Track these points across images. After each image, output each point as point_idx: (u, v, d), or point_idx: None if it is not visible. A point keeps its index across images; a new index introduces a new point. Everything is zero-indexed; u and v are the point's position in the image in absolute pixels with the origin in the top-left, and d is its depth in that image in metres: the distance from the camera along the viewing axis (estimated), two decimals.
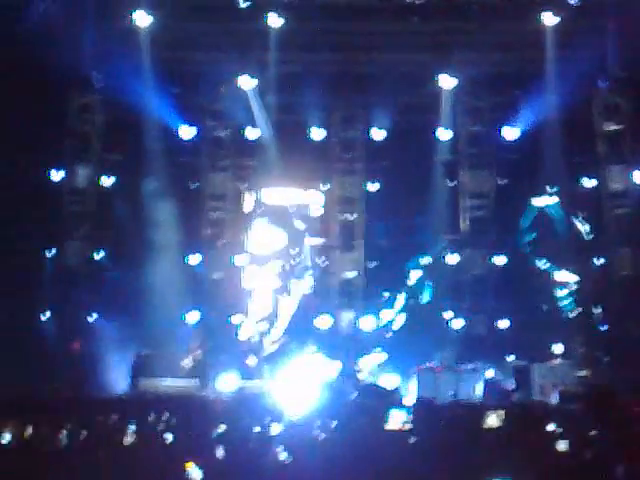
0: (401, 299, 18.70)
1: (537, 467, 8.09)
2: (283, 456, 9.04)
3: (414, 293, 18.79)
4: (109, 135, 18.87)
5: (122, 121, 18.60)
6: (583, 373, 16.74)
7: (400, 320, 18.57)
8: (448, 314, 18.51)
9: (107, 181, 19.01)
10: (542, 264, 18.84)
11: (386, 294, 18.76)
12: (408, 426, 9.65)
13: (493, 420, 9.38)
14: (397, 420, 9.41)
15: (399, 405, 9.92)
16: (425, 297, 18.83)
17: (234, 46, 18.38)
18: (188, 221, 18.90)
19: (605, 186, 18.92)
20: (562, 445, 9.05)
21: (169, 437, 10.61)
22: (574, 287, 18.67)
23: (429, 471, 8.23)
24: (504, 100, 19.19)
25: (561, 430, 10.32)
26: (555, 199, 19.02)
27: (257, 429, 11.08)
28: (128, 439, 10.68)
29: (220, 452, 9.52)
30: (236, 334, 18.17)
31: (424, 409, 9.87)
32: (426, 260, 18.94)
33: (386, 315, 18.57)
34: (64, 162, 18.72)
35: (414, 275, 18.90)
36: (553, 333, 17.70)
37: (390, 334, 18.30)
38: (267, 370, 17.01)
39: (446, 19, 18.28)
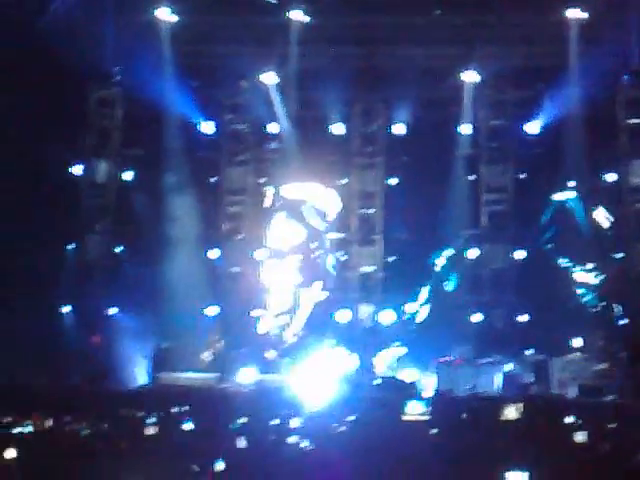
0: (421, 293, 18.82)
1: (555, 459, 8.18)
2: (304, 444, 9.19)
3: (434, 287, 18.89)
4: (129, 129, 18.98)
5: (142, 115, 18.73)
6: (601, 367, 16.77)
7: (420, 314, 18.68)
8: (468, 308, 18.62)
9: (127, 175, 19.20)
10: (562, 259, 18.87)
11: (406, 288, 18.92)
12: (426, 417, 9.77)
13: (512, 412, 9.47)
14: (415, 411, 9.53)
15: (417, 397, 10.01)
16: (445, 291, 18.91)
17: (254, 40, 18.47)
18: (207, 215, 19.07)
19: (626, 180, 18.85)
20: (580, 437, 9.14)
21: (190, 428, 10.79)
22: (594, 282, 18.68)
23: (446, 461, 8.36)
24: (526, 94, 19.18)
25: (580, 422, 10.42)
26: (575, 194, 19.03)
27: (277, 421, 11.24)
28: (149, 432, 10.86)
29: (241, 443, 9.69)
30: (255, 328, 18.31)
31: (442, 401, 9.99)
32: (446, 254, 19.02)
33: (407, 309, 18.69)
34: (84, 156, 18.89)
35: (434, 269, 19.01)
36: (572, 327, 17.72)
37: (411, 328, 18.42)
38: (286, 364, 17.15)
39: (469, 12, 18.27)
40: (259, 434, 10.30)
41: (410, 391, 15.67)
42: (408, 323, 18.57)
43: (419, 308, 18.71)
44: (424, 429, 9.22)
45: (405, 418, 9.14)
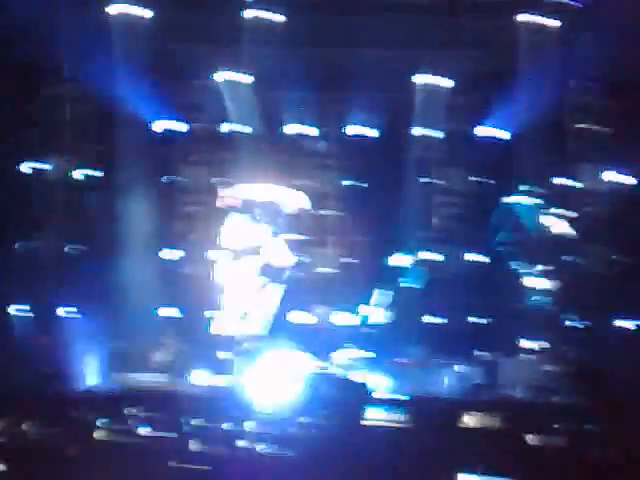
0: (375, 295, 18.92)
1: (508, 460, 8.31)
2: (259, 447, 9.21)
3: (388, 289, 18.99)
4: (82, 127, 18.72)
5: (94, 113, 18.55)
6: (551, 368, 16.99)
7: (374, 316, 18.78)
8: (421, 310, 18.76)
9: (78, 173, 18.93)
10: (513, 262, 19.11)
11: (361, 290, 19.00)
12: (386, 423, 9.84)
13: (472, 419, 9.58)
14: (375, 416, 9.59)
15: (377, 401, 10.07)
16: (399, 293, 19.03)
17: (211, 38, 18.31)
18: (161, 215, 18.89)
19: (580, 185, 19.11)
20: (533, 438, 9.28)
21: (143, 431, 10.72)
22: (544, 285, 18.95)
23: (406, 466, 8.44)
24: (479, 98, 19.28)
25: (532, 423, 10.61)
26: (527, 197, 19.29)
27: (231, 424, 11.22)
28: (101, 434, 10.76)
29: (195, 446, 9.66)
30: (209, 329, 18.23)
31: (404, 406, 10.08)
32: (401, 256, 19.15)
33: (361, 311, 18.78)
34: (34, 154, 18.60)
35: (389, 271, 19.12)
36: (523, 329, 17.96)
37: (365, 329, 18.50)
38: (241, 366, 17.10)
39: (426, 15, 18.37)
40: (213, 436, 10.29)
41: (363, 393, 15.80)
42: (362, 325, 18.66)
43: (373, 310, 18.81)
44: (385, 434, 9.28)
45: (365, 423, 9.19)
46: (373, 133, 19.44)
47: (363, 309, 18.76)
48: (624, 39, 17.51)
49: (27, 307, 17.37)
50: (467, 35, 18.72)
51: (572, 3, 18.27)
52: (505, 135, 19.11)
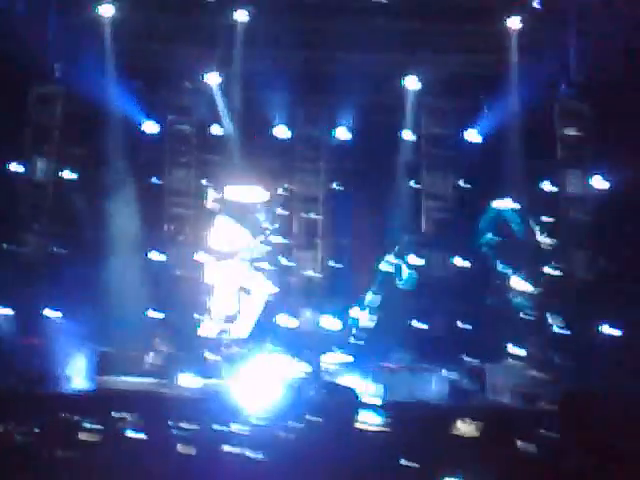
0: (363, 299, 18.91)
1: (490, 465, 8.30)
2: (248, 453, 9.14)
3: (376, 293, 18.98)
4: (69, 128, 18.62)
5: (83, 114, 18.41)
6: (536, 374, 17.04)
7: (362, 320, 18.76)
8: (408, 314, 18.76)
9: (66, 174, 18.84)
10: (500, 267, 19.13)
11: (348, 294, 18.99)
12: (376, 428, 9.82)
13: (464, 427, 9.55)
14: (366, 421, 9.56)
15: (367, 406, 10.07)
16: (387, 297, 19.01)
17: (199, 40, 18.34)
18: (149, 217, 18.83)
19: (563, 191, 19.21)
20: (517, 443, 9.28)
21: (130, 435, 10.64)
22: (530, 290, 18.98)
23: (395, 471, 8.41)
24: (466, 102, 19.37)
25: (517, 428, 10.62)
26: (513, 203, 19.31)
27: (219, 427, 11.17)
28: (87, 438, 10.68)
29: (183, 450, 9.60)
30: (197, 332, 18.18)
31: (394, 411, 10.06)
32: (388, 260, 19.13)
33: (348, 315, 18.76)
34: (22, 155, 18.48)
35: (376, 275, 19.10)
36: (509, 334, 17.97)
37: (353, 334, 18.48)
38: (228, 369, 17.06)
39: (411, 20, 18.45)
40: (201, 440, 10.21)
41: (350, 397, 15.74)
42: (349, 329, 18.63)
43: (360, 314, 18.80)
44: (374, 439, 9.25)
45: (357, 426, 9.16)
46: (361, 137, 19.37)
47: (350, 313, 18.77)
48: (608, 43, 17.71)
49: (13, 309, 17.18)
50: (452, 40, 18.82)
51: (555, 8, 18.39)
52: (489, 139, 19.13)
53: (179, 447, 9.61)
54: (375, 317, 18.67)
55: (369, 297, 18.76)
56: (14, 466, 8.89)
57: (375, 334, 18.41)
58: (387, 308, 18.76)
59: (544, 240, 19.20)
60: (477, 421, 9.02)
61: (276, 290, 18.57)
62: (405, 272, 18.74)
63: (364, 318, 18.69)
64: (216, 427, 11.29)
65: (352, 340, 18.26)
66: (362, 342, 18.23)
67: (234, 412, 12.25)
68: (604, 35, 17.89)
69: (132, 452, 9.68)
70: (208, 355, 17.31)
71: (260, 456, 9.00)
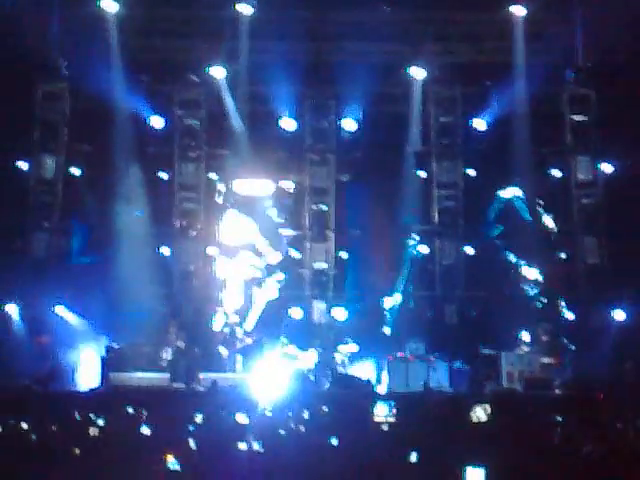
0: (374, 289, 18.61)
1: (510, 453, 8.07)
2: (256, 446, 8.90)
3: (387, 283, 18.68)
4: (77, 124, 18.34)
5: (90, 110, 18.14)
6: (547, 361, 16.72)
7: (373, 310, 18.48)
8: (420, 304, 18.49)
9: (75, 171, 18.59)
10: (510, 254, 18.86)
11: (359, 285, 18.71)
12: (391, 419, 9.53)
13: (480, 414, 9.29)
14: (381, 413, 9.29)
15: (382, 398, 9.78)
16: (398, 287, 18.73)
17: (205, 34, 18.08)
18: (159, 212, 18.56)
19: (572, 177, 18.92)
20: (533, 429, 9.05)
21: (144, 431, 10.40)
22: (540, 276, 18.70)
23: (407, 460, 8.15)
24: (474, 91, 19.10)
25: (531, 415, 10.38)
26: (521, 190, 19.02)
27: (231, 421, 10.92)
28: (101, 434, 10.45)
29: (195, 444, 9.36)
30: (210, 326, 17.86)
31: (409, 402, 9.77)
32: (398, 250, 18.84)
33: (360, 305, 18.47)
34: (31, 152, 18.21)
35: (387, 265, 18.80)
36: (521, 322, 17.69)
37: (364, 324, 18.17)
38: (241, 362, 16.77)
39: (417, 9, 18.20)
40: (213, 435, 9.97)
41: (364, 388, 15.52)
42: (361, 319, 18.33)
43: (368, 305, 18.50)
44: (388, 430, 8.98)
45: (374, 419, 8.89)
46: (369, 127, 19.05)
47: (363, 303, 18.48)
48: (614, 28, 17.41)
49: (24, 307, 16.93)
50: (458, 28, 18.56)
51: None
52: (497, 127, 18.81)
53: (191, 441, 9.39)
54: (385, 307, 18.41)
55: (379, 287, 18.57)
56: (28, 465, 8.69)
57: (384, 324, 18.11)
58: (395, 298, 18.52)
59: (553, 227, 18.94)
60: (492, 408, 8.80)
61: (284, 282, 18.31)
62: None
63: (374, 308, 18.39)
64: (229, 422, 11.07)
65: (361, 331, 17.89)
66: (372, 333, 17.90)
67: (246, 405, 12.01)
68: (610, 20, 17.60)
69: (145, 447, 9.45)
70: (222, 349, 16.98)
71: (265, 449, 8.77)
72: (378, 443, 9.06)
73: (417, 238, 18.93)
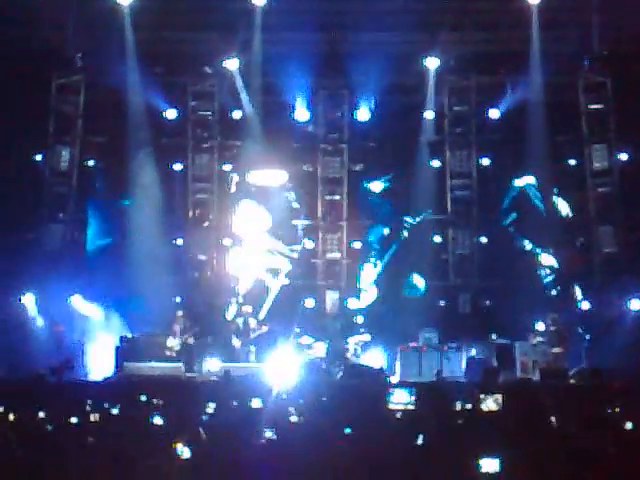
0: (385, 279, 18.43)
1: (524, 443, 7.91)
2: (269, 434, 8.76)
3: (399, 273, 18.49)
4: (91, 116, 18.25)
5: (105, 102, 18.13)
6: (557, 350, 16.46)
7: (386, 300, 18.30)
8: (433, 293, 18.29)
9: (90, 163, 18.54)
10: (525, 243, 18.62)
11: (372, 275, 18.54)
12: (411, 407, 9.34)
13: (491, 404, 9.09)
14: (401, 399, 9.11)
15: (401, 385, 9.60)
16: (409, 276, 18.54)
17: (218, 26, 17.91)
18: (173, 203, 18.52)
19: (588, 165, 18.64)
20: (549, 420, 8.86)
21: (157, 420, 10.32)
22: (555, 265, 18.46)
23: (422, 450, 7.99)
24: (489, 80, 18.88)
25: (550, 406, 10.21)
26: (536, 179, 18.76)
27: (244, 409, 10.82)
28: (115, 424, 10.38)
29: (207, 433, 9.26)
30: (223, 316, 17.75)
31: (428, 391, 9.56)
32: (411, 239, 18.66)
33: (372, 295, 18.28)
34: (46, 144, 18.10)
35: (399, 255, 18.62)
36: (535, 311, 17.44)
37: (377, 314, 18.00)
38: (253, 352, 16.65)
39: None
40: (224, 423, 9.84)
41: (379, 377, 15.37)
42: (374, 309, 18.15)
43: (385, 294, 18.31)
44: (406, 419, 8.79)
45: (390, 407, 8.72)
46: (382, 117, 18.83)
47: (374, 293, 18.29)
48: (630, 15, 17.13)
49: (39, 297, 16.89)
50: (473, 17, 18.28)
51: None
52: (512, 116, 18.53)
53: (203, 429, 9.29)
54: (397, 297, 18.24)
55: (393, 278, 18.40)
56: (45, 455, 8.62)
57: (398, 314, 17.93)
58: (411, 288, 18.35)
59: (569, 214, 18.69)
60: (505, 398, 8.63)
61: (298, 272, 18.16)
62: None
63: (386, 298, 18.22)
64: (241, 410, 10.97)
65: (374, 320, 17.69)
66: (383, 322, 17.72)
67: (259, 395, 11.90)
68: (625, 7, 17.32)
69: (157, 436, 9.36)
70: (235, 340, 16.85)
71: (277, 437, 8.65)
72: (392, 432, 8.89)
73: (410, 221, 18.67)
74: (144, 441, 9.00)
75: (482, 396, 9.00)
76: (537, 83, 18.21)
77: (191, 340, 16.55)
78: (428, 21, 18.25)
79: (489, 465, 7.26)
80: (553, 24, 18.13)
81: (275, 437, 8.55)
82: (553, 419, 9.06)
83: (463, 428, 8.52)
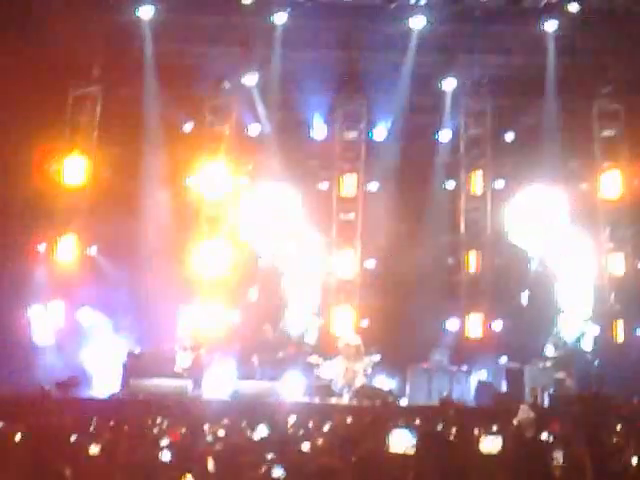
0: (399, 298, 17.64)
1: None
2: (278, 474, 8.01)
3: (411, 293, 17.72)
4: (108, 128, 17.51)
5: (121, 114, 17.38)
6: (561, 375, 15.65)
7: (397, 320, 17.51)
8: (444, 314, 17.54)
9: (106, 174, 17.86)
10: (538, 264, 17.91)
11: (384, 294, 17.76)
12: (412, 450, 8.50)
13: (491, 444, 8.32)
14: (401, 442, 8.27)
15: (403, 426, 8.81)
16: (422, 297, 17.75)
17: (236, 41, 17.20)
18: (186, 218, 17.72)
19: (598, 191, 18.05)
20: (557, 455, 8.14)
21: (163, 442, 9.62)
22: (566, 289, 17.72)
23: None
24: (504, 103, 18.27)
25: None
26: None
27: (251, 435, 10.13)
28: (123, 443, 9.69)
29: (213, 461, 8.57)
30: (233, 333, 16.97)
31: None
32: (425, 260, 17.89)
33: (384, 314, 17.51)
34: (62, 155, 17.37)
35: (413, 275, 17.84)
36: (544, 335, 16.70)
37: (388, 334, 17.20)
38: (264, 371, 15.82)
39: (450, 22, 17.45)
40: (231, 450, 9.08)
41: (387, 398, 14.66)
42: (385, 329, 17.35)
43: (396, 314, 17.53)
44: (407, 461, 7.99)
45: (391, 450, 7.90)
46: (399, 137, 18.16)
47: (387, 312, 17.49)
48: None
49: (49, 310, 16.18)
50: (490, 42, 17.64)
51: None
52: (525, 139, 17.98)
53: (210, 455, 8.60)
54: (408, 317, 17.43)
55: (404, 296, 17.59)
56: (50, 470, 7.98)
57: (406, 335, 17.12)
58: (418, 309, 17.59)
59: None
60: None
61: (311, 291, 17.33)
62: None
63: (398, 318, 17.39)
64: (249, 435, 10.24)
65: (384, 341, 16.91)
66: (394, 343, 16.92)
67: (267, 417, 11.17)
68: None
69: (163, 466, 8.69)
70: (243, 357, 16.02)
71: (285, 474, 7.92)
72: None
73: None
74: (149, 468, 8.35)
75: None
76: (552, 108, 17.65)
77: (197, 356, 15.65)
78: (446, 43, 17.70)
79: None
80: (568, 51, 17.64)
81: (284, 475, 7.82)
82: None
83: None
